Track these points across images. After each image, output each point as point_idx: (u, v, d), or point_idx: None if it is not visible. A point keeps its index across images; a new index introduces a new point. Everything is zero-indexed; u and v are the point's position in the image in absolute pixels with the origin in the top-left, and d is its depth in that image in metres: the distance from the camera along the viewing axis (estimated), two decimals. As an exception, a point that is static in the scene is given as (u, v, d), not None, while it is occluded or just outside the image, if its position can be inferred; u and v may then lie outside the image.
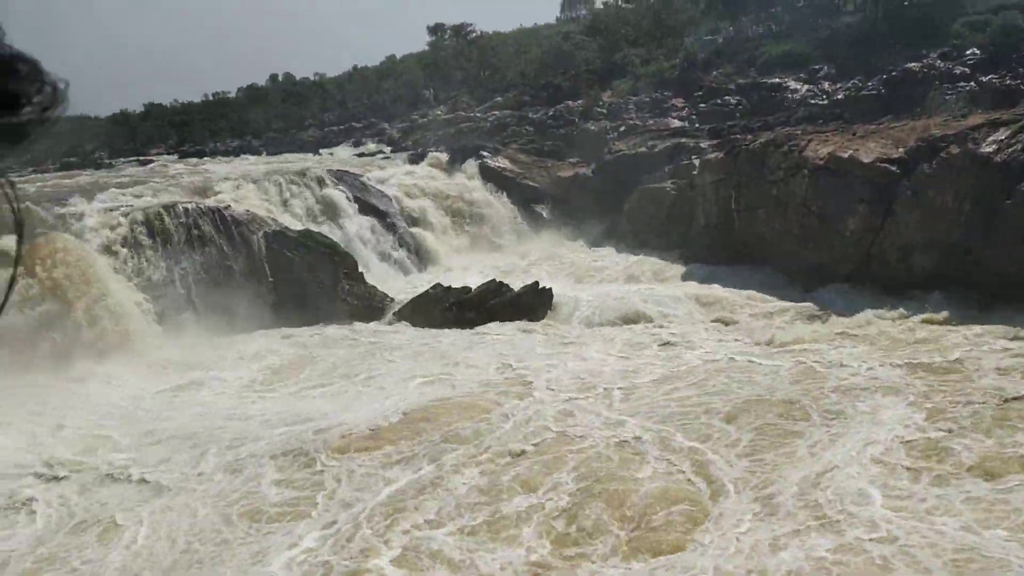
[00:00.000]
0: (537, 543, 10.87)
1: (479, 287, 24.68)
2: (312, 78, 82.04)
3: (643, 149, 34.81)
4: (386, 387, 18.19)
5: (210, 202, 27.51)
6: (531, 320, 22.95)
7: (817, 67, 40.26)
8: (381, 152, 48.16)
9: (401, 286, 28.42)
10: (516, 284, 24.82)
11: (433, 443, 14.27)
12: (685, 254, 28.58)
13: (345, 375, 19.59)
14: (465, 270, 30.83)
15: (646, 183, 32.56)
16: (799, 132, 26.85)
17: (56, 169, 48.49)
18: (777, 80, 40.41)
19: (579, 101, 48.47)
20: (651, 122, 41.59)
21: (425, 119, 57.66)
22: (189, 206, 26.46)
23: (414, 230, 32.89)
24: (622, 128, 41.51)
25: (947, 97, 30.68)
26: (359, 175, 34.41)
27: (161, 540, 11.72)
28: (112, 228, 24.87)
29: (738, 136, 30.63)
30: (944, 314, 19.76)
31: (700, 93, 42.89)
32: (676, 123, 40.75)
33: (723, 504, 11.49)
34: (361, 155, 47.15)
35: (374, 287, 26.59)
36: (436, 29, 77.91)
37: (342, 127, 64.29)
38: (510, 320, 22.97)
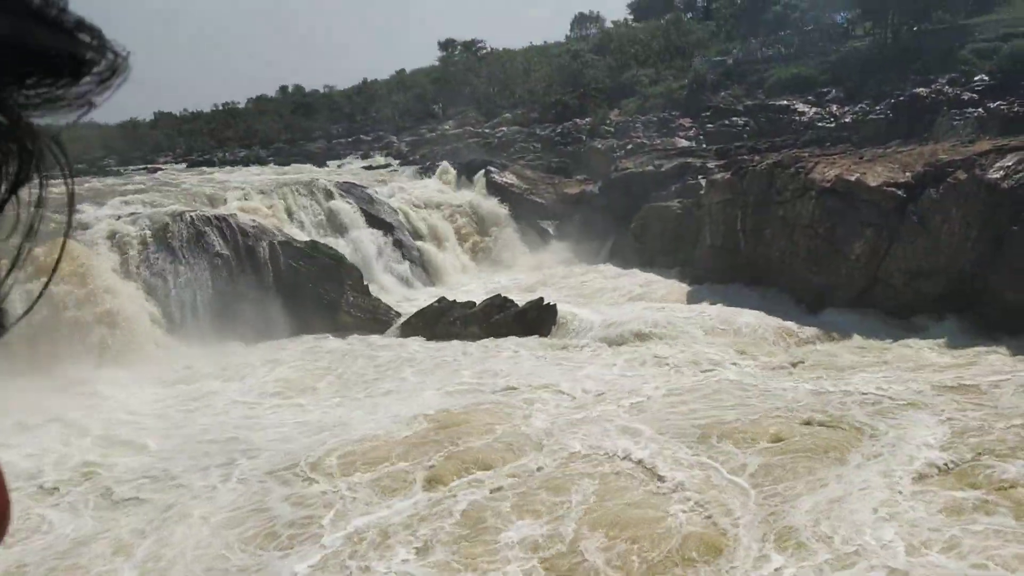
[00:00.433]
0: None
1: (484, 302, 24.70)
2: (322, 90, 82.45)
3: (650, 168, 34.87)
4: (393, 403, 18.15)
5: (217, 211, 27.62)
6: (536, 336, 22.94)
7: (825, 90, 40.45)
8: (389, 165, 48.32)
9: (406, 300, 28.47)
10: (521, 300, 24.83)
11: (440, 460, 14.27)
12: (691, 273, 28.58)
13: (354, 388, 19.59)
14: (470, 285, 30.90)
15: (653, 202, 32.61)
16: (806, 154, 26.90)
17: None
18: (785, 102, 40.58)
19: (587, 119, 48.69)
20: (658, 141, 41.75)
21: (434, 133, 57.90)
22: (196, 215, 26.56)
23: (420, 244, 32.96)
24: (629, 146, 41.66)
25: (955, 123, 30.78)
26: (366, 188, 34.54)
27: (162, 560, 11.66)
28: (119, 236, 24.96)
29: (745, 157, 30.72)
30: (948, 340, 19.74)
31: (708, 113, 43.07)
32: (683, 143, 40.91)
33: (740, 540, 11.45)
34: (369, 168, 47.29)
35: (379, 300, 26.63)
36: (447, 45, 78.39)
37: (350, 139, 64.57)
38: (515, 335, 22.98)
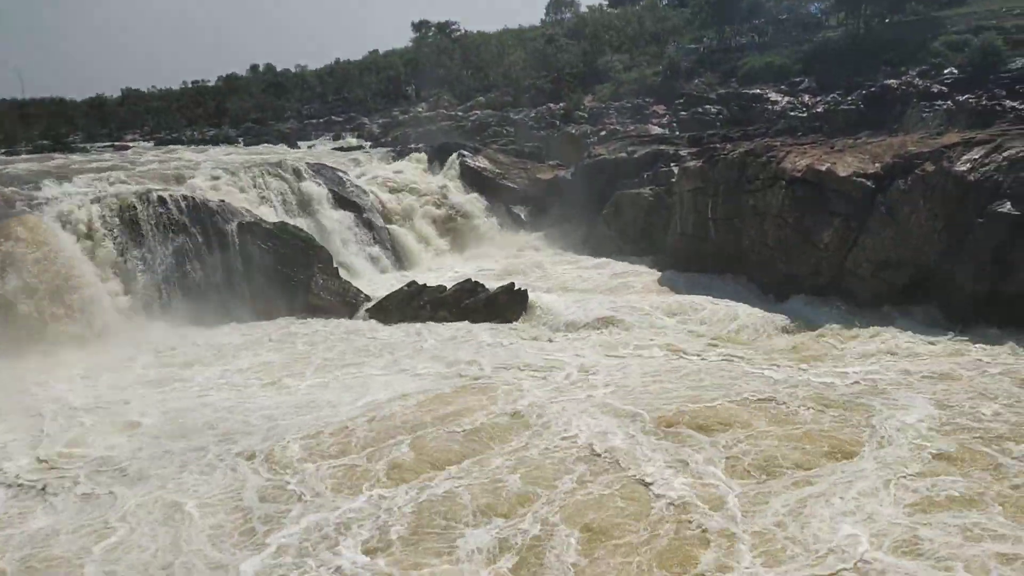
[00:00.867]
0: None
1: (454, 286, 24.60)
2: (293, 70, 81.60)
3: (623, 154, 34.85)
4: (365, 385, 18.08)
5: (185, 191, 27.24)
6: (506, 321, 22.89)
7: (798, 80, 40.61)
8: (361, 147, 47.93)
9: (375, 283, 28.30)
10: (492, 285, 24.76)
11: (411, 443, 14.24)
12: (661, 260, 28.66)
13: (334, 371, 19.45)
14: (440, 269, 30.77)
15: (625, 188, 32.60)
16: (778, 143, 26.99)
17: (28, 152, 47.80)
18: (758, 91, 40.70)
19: (561, 104, 48.62)
20: (632, 128, 41.76)
21: (406, 115, 57.55)
22: (163, 194, 26.19)
23: (391, 227, 32.76)
24: (603, 132, 41.64)
25: (924, 115, 31.02)
26: (337, 169, 34.23)
27: (135, 548, 11.55)
28: (84, 214, 24.56)
29: (717, 145, 30.77)
30: (915, 330, 19.95)
31: (681, 101, 43.12)
32: (656, 129, 40.95)
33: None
34: (340, 149, 46.90)
35: (348, 283, 26.44)
36: (420, 26, 77.93)
37: (321, 120, 64.01)
38: (485, 320, 22.92)
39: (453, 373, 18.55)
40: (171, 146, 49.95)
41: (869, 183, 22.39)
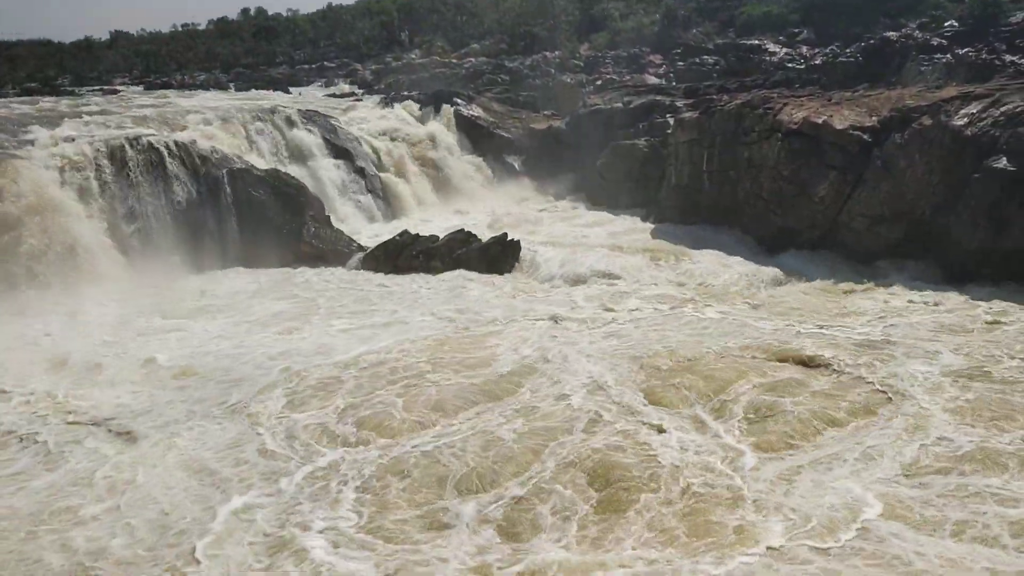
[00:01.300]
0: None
1: (447, 236, 24.48)
2: (285, 14, 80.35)
3: (618, 104, 34.54)
4: (372, 333, 18.05)
5: (175, 136, 26.90)
6: (498, 272, 22.83)
7: (796, 30, 40.22)
8: (353, 94, 47.39)
9: (367, 231, 28.18)
10: (484, 235, 24.66)
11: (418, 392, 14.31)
12: (655, 213, 28.54)
13: (324, 317, 19.42)
14: (433, 219, 30.60)
15: (620, 139, 32.36)
16: (775, 95, 26.75)
17: (16, 94, 47.14)
18: (756, 42, 40.32)
19: (556, 52, 48.03)
20: (628, 77, 41.37)
21: (399, 62, 56.85)
22: (154, 139, 25.87)
23: (383, 175, 32.50)
24: (598, 82, 41.26)
25: (923, 68, 30.80)
26: (329, 117, 33.84)
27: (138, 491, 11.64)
28: (74, 159, 24.23)
29: (714, 96, 30.51)
30: (909, 284, 19.98)
31: (678, 51, 42.69)
32: (653, 80, 40.59)
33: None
34: (333, 96, 46.33)
35: (340, 231, 26.30)
36: (414, -30, 76.42)
37: (314, 66, 63.21)
38: (477, 271, 22.85)
39: (451, 322, 18.55)
40: (161, 91, 49.22)
41: (866, 136, 22.25)
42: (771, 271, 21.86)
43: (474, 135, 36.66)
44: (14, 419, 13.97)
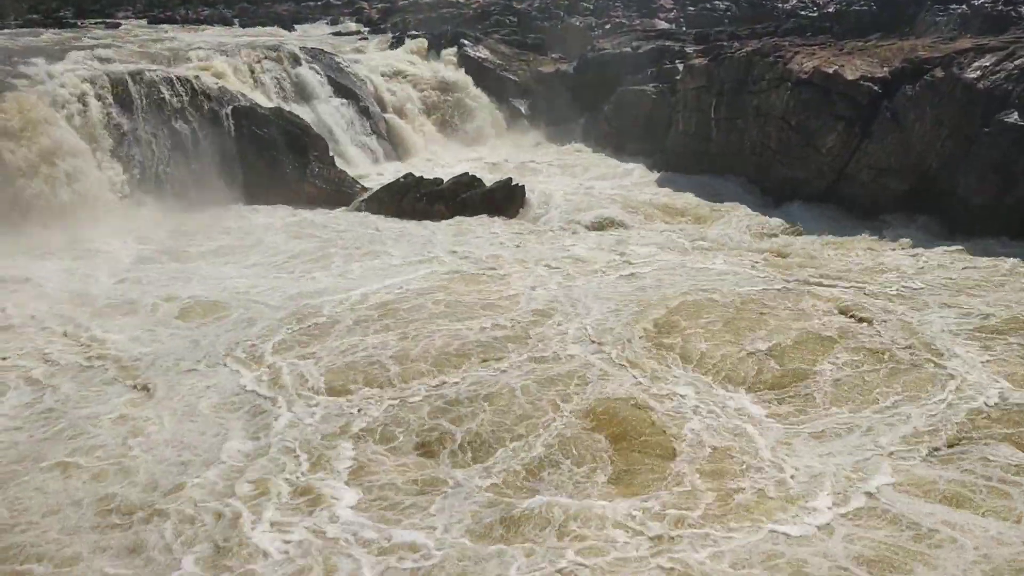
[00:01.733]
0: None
1: (451, 179, 24.36)
2: (291, -52, 78.72)
3: (627, 49, 34.07)
4: (386, 272, 18.23)
5: (179, 72, 26.63)
6: (503, 216, 22.76)
7: (810, -23, 39.51)
8: (359, 32, 46.74)
9: (371, 173, 28.02)
10: (489, 179, 24.55)
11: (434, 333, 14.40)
12: (661, 160, 28.35)
13: (333, 260, 19.47)
14: (437, 161, 30.43)
15: (627, 85, 31.99)
16: (786, 44, 26.40)
17: (19, 25, 46.56)
18: (769, -13, 39.62)
19: (566, -7, 47.30)
20: (637, 22, 40.82)
21: (406, 1, 55.96)
22: (157, 75, 25.62)
23: (388, 116, 32.21)
24: (607, 26, 40.70)
25: (938, 18, 30.34)
26: (335, 55, 33.44)
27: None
28: (77, 93, 24.02)
29: (724, 43, 30.11)
30: (915, 239, 19.89)
31: (690, -5, 42.00)
32: (663, 25, 40.04)
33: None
34: (338, 34, 45.72)
35: (344, 172, 26.18)
36: (423, -96, 74.73)
37: (319, 2, 62.33)
38: (481, 215, 22.76)
39: (462, 264, 18.66)
40: (164, 25, 48.63)
41: (876, 88, 22.01)
42: (776, 222, 21.81)
43: (481, 77, 36.22)
44: (26, 361, 13.92)
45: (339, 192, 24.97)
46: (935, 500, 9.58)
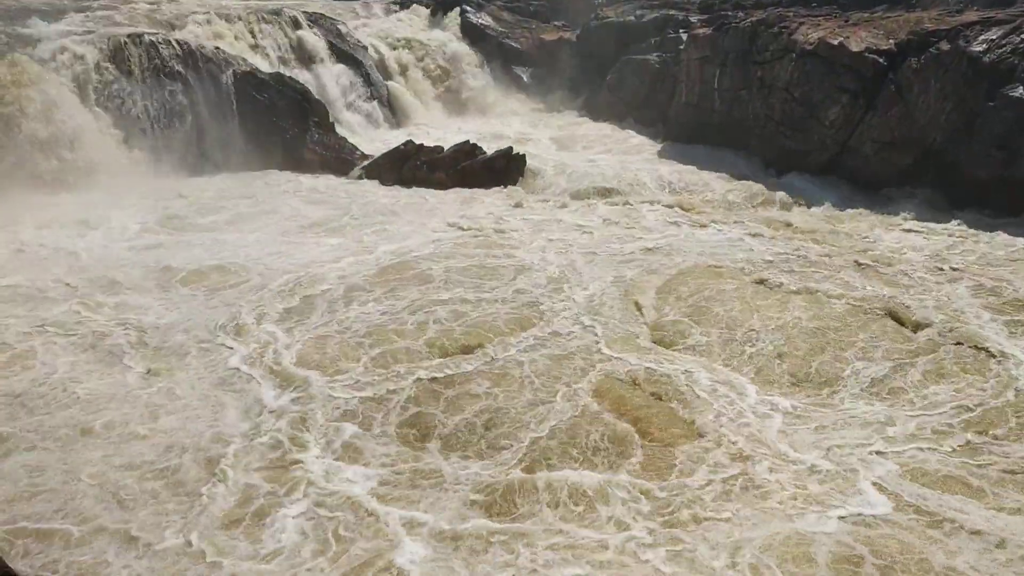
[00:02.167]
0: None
1: (452, 147, 24.24)
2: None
3: (631, 18, 33.75)
4: (398, 233, 18.32)
5: (178, 35, 26.39)
6: (503, 186, 22.66)
7: (818, -54, 38.92)
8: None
9: (371, 140, 27.88)
10: (489, 147, 24.41)
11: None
12: (663, 131, 28.19)
13: (347, 225, 19.59)
14: (438, 129, 30.28)
15: (631, 54, 31.73)
16: (791, 14, 26.13)
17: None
18: (775, -44, 39.05)
19: (570, -40, 46.62)
20: (642, -10, 40.24)
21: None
22: (156, 38, 25.38)
23: (389, 83, 32.01)
24: (611, -7, 40.15)
25: (945, -10, 29.89)
26: (336, 20, 33.13)
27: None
28: (75, 55, 23.81)
29: (729, 13, 29.78)
30: (917, 212, 19.82)
31: (695, -37, 41.40)
32: (667, -7, 39.46)
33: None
34: (339, -1, 45.19)
35: (344, 138, 26.04)
36: None
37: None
38: (481, 186, 22.65)
39: (464, 230, 18.75)
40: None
41: (881, 60, 21.81)
42: (778, 194, 21.68)
43: (482, 44, 35.97)
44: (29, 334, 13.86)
45: (339, 158, 24.85)
46: (964, 494, 9.31)
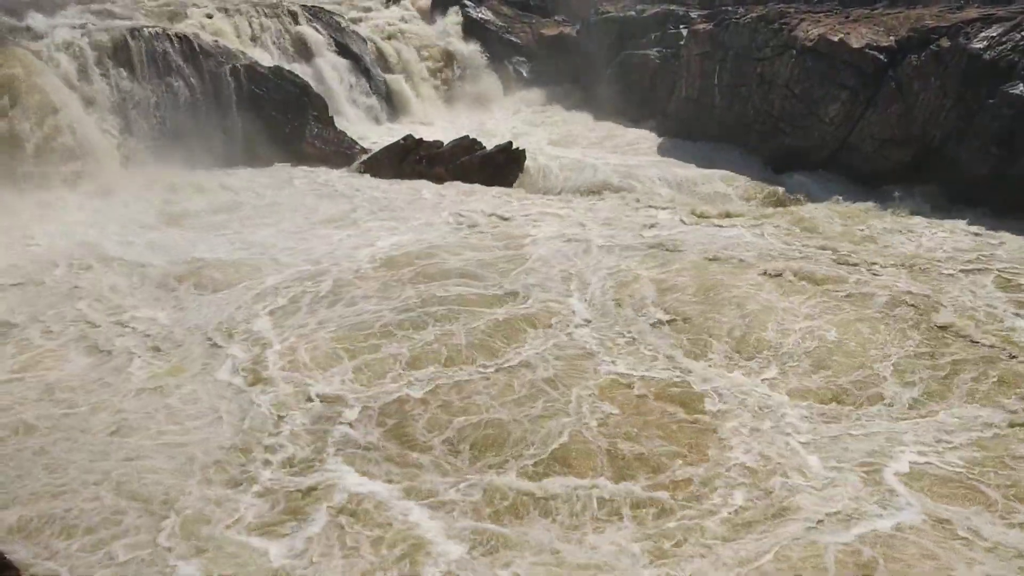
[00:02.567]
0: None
1: (451, 142, 24.21)
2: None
3: (632, 13, 33.67)
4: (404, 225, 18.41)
5: (178, 29, 26.32)
6: (502, 181, 22.63)
7: (818, -58, 38.86)
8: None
9: (371, 134, 27.82)
10: (489, 142, 24.37)
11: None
12: (663, 126, 28.16)
13: (356, 219, 19.68)
14: (436, 123, 30.25)
15: (631, 49, 31.69)
16: (792, 10, 26.04)
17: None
18: (776, -48, 38.99)
19: (570, -45, 46.49)
20: (642, -15, 40.15)
21: (409, -41, 55.07)
22: (156, 31, 25.32)
23: (388, 77, 31.94)
24: (612, -12, 40.06)
25: (946, -13, 29.84)
26: (335, 14, 33.04)
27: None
28: (73, 49, 23.74)
29: (729, 8, 29.70)
30: (917, 209, 19.81)
31: (696, -41, 41.33)
32: (668, -12, 39.38)
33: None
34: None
35: (343, 132, 26.01)
36: None
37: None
38: (481, 181, 22.61)
39: (471, 230, 18.73)
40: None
41: (882, 57, 21.78)
42: (778, 190, 21.70)
43: (482, 39, 35.85)
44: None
45: (338, 152, 24.84)
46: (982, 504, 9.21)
